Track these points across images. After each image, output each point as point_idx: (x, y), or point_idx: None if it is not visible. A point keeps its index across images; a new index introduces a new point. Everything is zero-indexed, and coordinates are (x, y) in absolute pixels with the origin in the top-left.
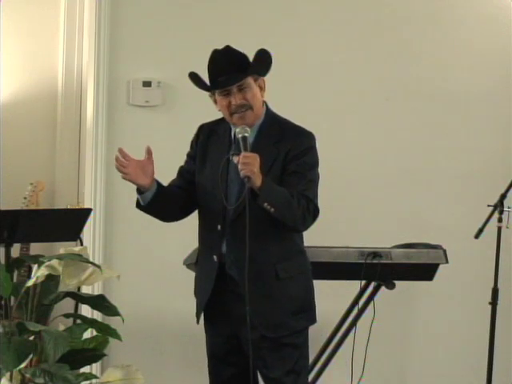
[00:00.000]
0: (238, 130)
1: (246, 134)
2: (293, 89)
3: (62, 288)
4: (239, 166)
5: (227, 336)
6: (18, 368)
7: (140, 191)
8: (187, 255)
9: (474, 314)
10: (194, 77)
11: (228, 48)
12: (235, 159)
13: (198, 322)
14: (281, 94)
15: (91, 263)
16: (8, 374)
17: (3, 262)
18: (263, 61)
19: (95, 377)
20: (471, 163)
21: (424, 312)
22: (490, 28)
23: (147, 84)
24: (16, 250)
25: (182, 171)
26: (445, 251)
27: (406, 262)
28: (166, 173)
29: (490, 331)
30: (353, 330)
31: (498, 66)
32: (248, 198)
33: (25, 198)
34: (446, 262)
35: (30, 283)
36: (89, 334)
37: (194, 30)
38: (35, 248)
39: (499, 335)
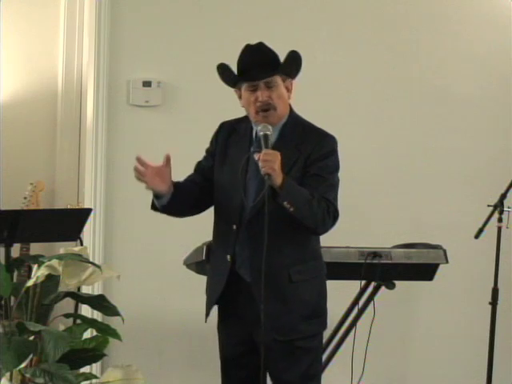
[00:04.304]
0: (259, 127)
1: (268, 132)
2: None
3: (62, 288)
4: (260, 164)
5: (241, 338)
6: (17, 368)
7: (156, 195)
8: (187, 255)
9: (474, 314)
10: (224, 67)
11: (261, 44)
12: (256, 156)
13: (206, 320)
14: None
15: (91, 263)
16: (8, 373)
17: (3, 262)
18: (294, 62)
19: (95, 377)
20: (471, 163)
21: (424, 312)
22: (490, 28)
23: (147, 84)
24: (16, 250)
25: (199, 167)
26: (445, 251)
27: (405, 262)
28: None
29: (490, 331)
30: (353, 330)
31: (498, 66)
32: (268, 195)
33: (25, 198)
34: (446, 262)
35: (30, 283)
36: (89, 334)
37: (194, 30)
38: (35, 248)
39: (499, 335)
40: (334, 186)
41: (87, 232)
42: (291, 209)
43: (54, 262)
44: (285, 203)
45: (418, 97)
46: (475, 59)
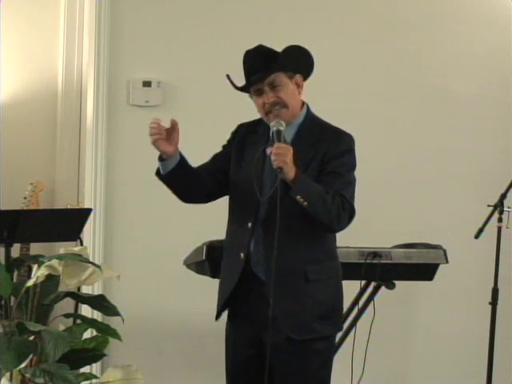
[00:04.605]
0: (272, 123)
1: (281, 128)
2: None
3: (62, 288)
4: (272, 158)
5: (251, 339)
6: (18, 368)
7: (162, 159)
8: (187, 255)
9: (474, 314)
10: (229, 79)
11: (258, 47)
12: (268, 150)
13: (216, 319)
14: None
15: (91, 263)
16: (8, 373)
17: (3, 262)
18: (292, 56)
19: (95, 377)
20: (471, 163)
21: (424, 312)
22: (490, 28)
23: (147, 84)
24: (16, 250)
25: (215, 158)
26: (445, 251)
27: (405, 262)
28: None
29: (490, 331)
30: (353, 330)
31: (497, 66)
32: (280, 190)
33: (25, 198)
34: (446, 261)
35: (30, 283)
36: (89, 334)
37: (194, 30)
38: (35, 248)
39: (499, 335)
40: (350, 183)
41: (87, 232)
42: (305, 203)
43: (54, 262)
44: (298, 197)
45: (417, 97)
46: (475, 59)
